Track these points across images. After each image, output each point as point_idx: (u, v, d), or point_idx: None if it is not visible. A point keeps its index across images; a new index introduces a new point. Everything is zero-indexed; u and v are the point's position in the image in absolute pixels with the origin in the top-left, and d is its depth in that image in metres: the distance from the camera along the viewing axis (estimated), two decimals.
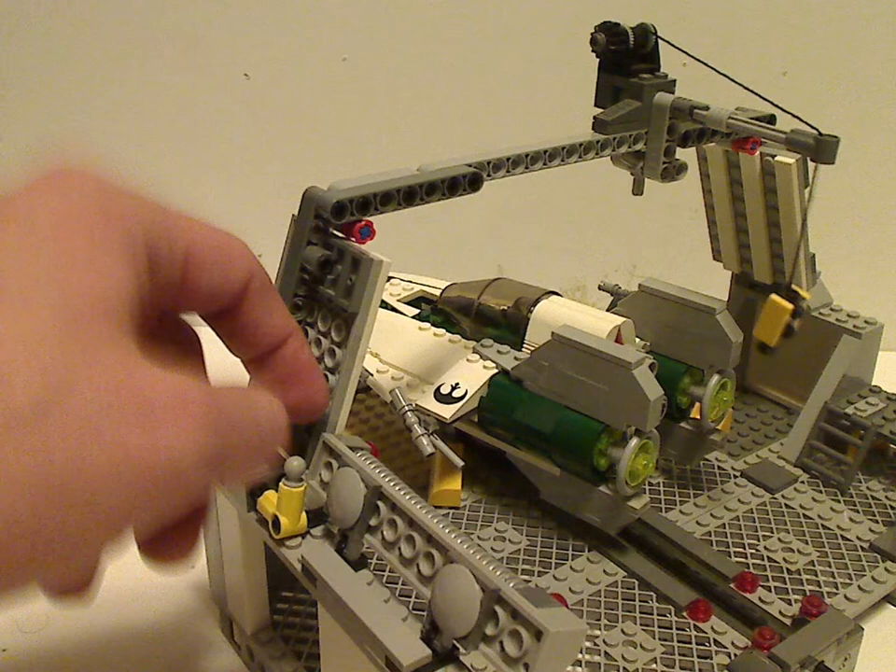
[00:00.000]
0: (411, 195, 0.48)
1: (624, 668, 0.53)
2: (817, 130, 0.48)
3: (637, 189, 0.59)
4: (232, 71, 0.95)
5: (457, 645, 0.38)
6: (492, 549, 0.62)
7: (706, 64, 0.52)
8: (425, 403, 0.61)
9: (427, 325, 0.68)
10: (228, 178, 0.99)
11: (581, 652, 0.54)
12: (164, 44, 0.93)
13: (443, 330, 0.67)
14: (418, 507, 0.42)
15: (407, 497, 0.43)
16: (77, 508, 0.27)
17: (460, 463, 0.59)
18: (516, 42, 0.94)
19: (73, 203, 0.31)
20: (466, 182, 0.49)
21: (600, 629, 0.56)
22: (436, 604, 0.39)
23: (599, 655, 0.54)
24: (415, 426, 0.57)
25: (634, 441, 0.57)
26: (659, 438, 0.59)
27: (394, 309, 0.72)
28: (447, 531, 0.40)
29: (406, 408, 0.58)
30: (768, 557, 0.63)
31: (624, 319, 0.62)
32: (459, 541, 0.40)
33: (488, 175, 0.49)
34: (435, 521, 0.41)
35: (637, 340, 0.64)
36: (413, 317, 0.71)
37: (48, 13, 0.90)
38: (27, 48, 0.92)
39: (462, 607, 0.38)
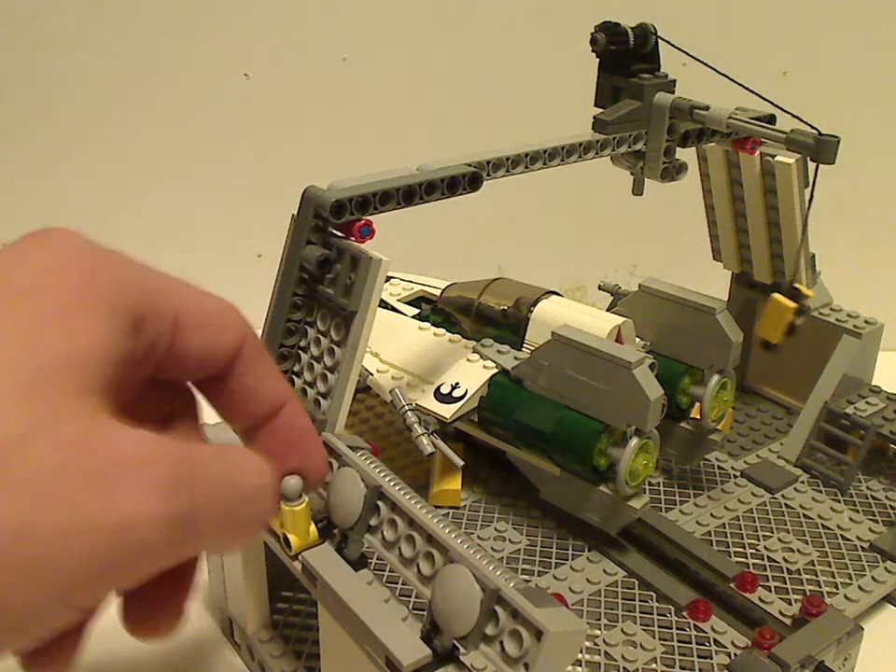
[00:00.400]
0: (410, 194, 0.48)
1: (624, 668, 0.53)
2: (817, 130, 0.48)
3: (637, 189, 0.59)
4: (232, 71, 0.95)
5: (457, 645, 0.39)
6: (492, 549, 0.62)
7: (706, 64, 0.52)
8: (425, 403, 0.61)
9: (427, 325, 0.68)
10: (227, 178, 0.98)
11: (581, 652, 0.54)
12: (165, 43, 0.93)
13: (443, 330, 0.67)
14: (418, 507, 0.42)
15: (407, 497, 0.43)
16: (20, 576, 0.25)
17: (460, 463, 0.59)
18: (516, 42, 0.94)
19: (54, 260, 0.30)
20: (465, 181, 0.49)
21: (600, 629, 0.56)
22: (436, 604, 0.39)
23: (599, 655, 0.54)
24: (415, 425, 0.57)
25: (634, 441, 0.57)
26: (659, 437, 0.59)
27: (394, 309, 0.72)
28: (447, 531, 0.40)
29: (406, 407, 0.58)
30: (768, 557, 0.63)
31: (624, 319, 0.62)
32: (459, 541, 0.40)
33: (488, 175, 0.49)
34: (435, 521, 0.41)
35: (637, 340, 0.64)
36: (413, 317, 0.71)
37: (50, 7, 0.90)
38: (24, 44, 0.92)
39: (462, 606, 0.38)
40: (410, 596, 0.55)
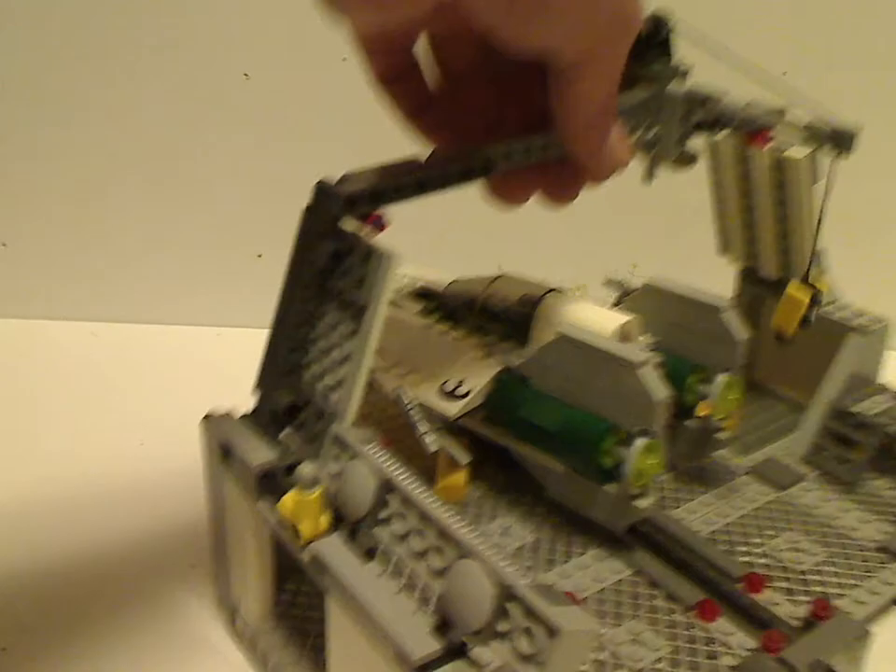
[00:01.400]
0: (424, 185, 0.47)
1: (630, 667, 0.52)
2: (837, 120, 0.47)
3: (648, 178, 0.58)
4: (232, 71, 0.94)
5: (468, 640, 0.38)
6: (497, 544, 0.61)
7: (718, 55, 0.51)
8: (428, 400, 0.60)
9: (432, 321, 0.67)
10: (227, 178, 0.98)
11: None
12: (165, 43, 0.92)
13: (448, 326, 0.67)
14: (429, 501, 0.41)
15: (418, 491, 0.42)
16: None
17: (464, 460, 0.58)
18: None
19: None
20: (479, 170, 0.48)
21: (606, 627, 0.55)
22: (447, 599, 0.39)
23: (605, 654, 0.53)
24: (419, 423, 0.56)
25: (640, 441, 0.56)
26: (665, 437, 0.58)
27: (398, 304, 0.72)
28: (459, 525, 0.40)
29: (410, 405, 0.57)
30: (775, 558, 0.62)
31: (632, 316, 0.61)
32: (472, 536, 0.39)
33: (500, 165, 0.48)
34: (447, 515, 0.41)
35: (644, 337, 0.64)
36: (418, 313, 0.70)
37: (50, 4, 0.90)
38: (26, 43, 0.91)
39: (474, 602, 0.37)
40: (420, 590, 0.54)
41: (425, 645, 0.38)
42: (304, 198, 0.60)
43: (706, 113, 0.52)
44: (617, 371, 0.56)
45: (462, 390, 0.61)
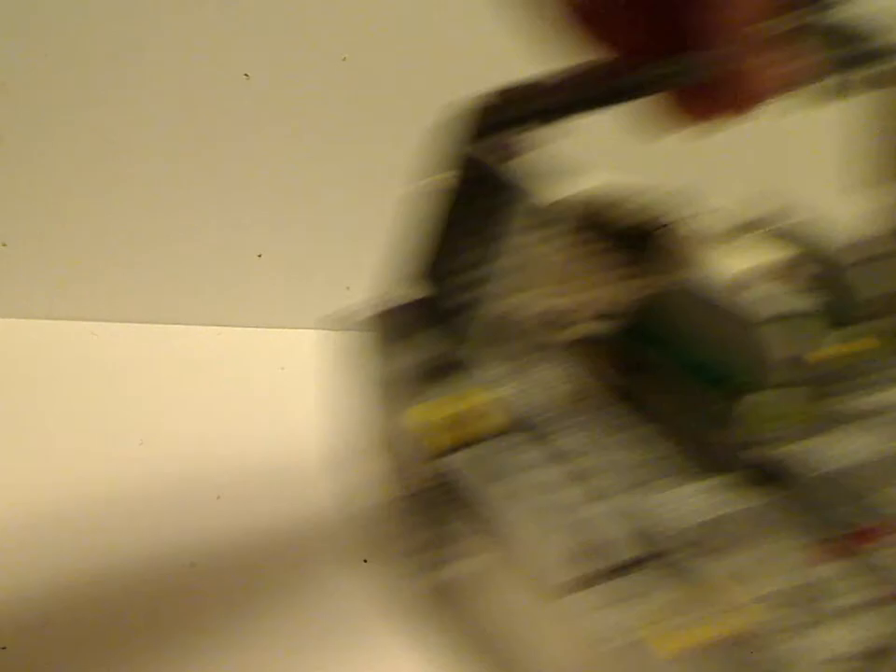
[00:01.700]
0: (593, 103, 0.42)
1: (731, 602, 0.49)
2: None
3: (780, 113, 0.53)
4: (232, 71, 0.95)
5: (605, 573, 0.38)
6: (605, 464, 0.58)
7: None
8: (535, 326, 0.57)
9: (544, 240, 0.63)
10: (227, 178, 0.98)
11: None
12: (164, 43, 0.92)
13: (560, 248, 0.62)
14: (560, 433, 0.42)
15: (548, 421, 0.43)
16: None
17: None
18: None
19: None
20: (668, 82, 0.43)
21: (710, 559, 0.52)
22: (584, 531, 0.39)
23: (705, 587, 0.50)
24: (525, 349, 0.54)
25: (760, 393, 0.53)
26: (788, 389, 0.55)
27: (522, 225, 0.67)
28: (597, 461, 0.41)
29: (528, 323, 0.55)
30: (892, 510, 0.58)
31: (790, 253, 0.57)
32: (611, 474, 0.41)
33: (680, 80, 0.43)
34: (577, 453, 0.42)
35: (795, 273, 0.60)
36: (541, 227, 0.65)
37: (50, 8, 0.90)
38: (26, 43, 0.91)
39: (607, 543, 0.38)
40: (550, 522, 0.52)
41: (562, 571, 0.38)
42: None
43: (852, 49, 0.49)
44: (738, 327, 0.53)
45: (572, 317, 0.57)
